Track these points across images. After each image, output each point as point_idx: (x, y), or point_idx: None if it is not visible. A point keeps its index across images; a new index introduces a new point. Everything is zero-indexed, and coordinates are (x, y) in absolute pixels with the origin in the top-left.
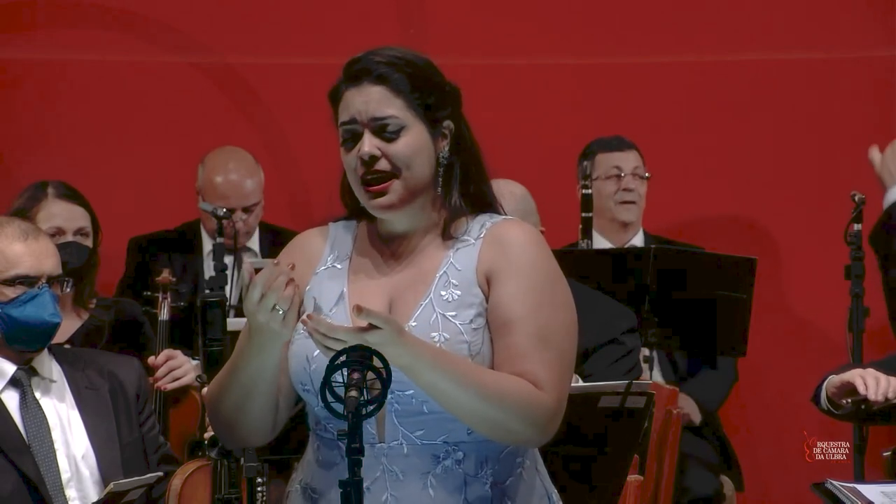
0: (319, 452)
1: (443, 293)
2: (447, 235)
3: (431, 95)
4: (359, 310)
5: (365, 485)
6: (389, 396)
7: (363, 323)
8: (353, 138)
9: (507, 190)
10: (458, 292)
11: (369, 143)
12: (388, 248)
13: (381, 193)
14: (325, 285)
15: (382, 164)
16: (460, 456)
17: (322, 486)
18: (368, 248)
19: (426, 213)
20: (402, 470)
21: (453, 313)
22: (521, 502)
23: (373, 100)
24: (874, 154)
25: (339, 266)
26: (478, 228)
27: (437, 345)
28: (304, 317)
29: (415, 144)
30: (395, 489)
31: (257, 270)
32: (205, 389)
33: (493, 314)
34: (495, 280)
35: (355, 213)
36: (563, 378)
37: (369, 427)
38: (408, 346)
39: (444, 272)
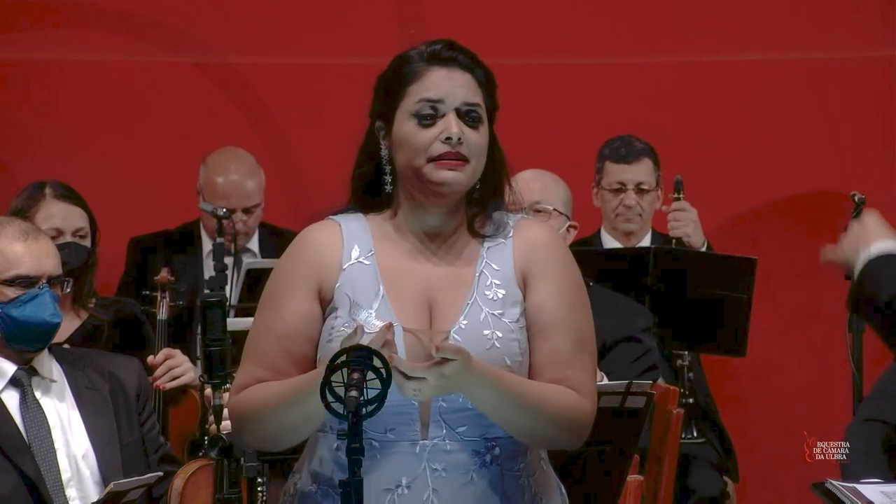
0: (342, 452)
1: (487, 293)
2: (474, 233)
3: (494, 100)
4: (437, 349)
5: (404, 483)
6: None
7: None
8: (431, 117)
9: (552, 179)
10: (503, 291)
11: (457, 125)
12: (418, 243)
13: (452, 169)
14: (357, 282)
15: (462, 149)
16: (497, 452)
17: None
18: (393, 244)
19: (459, 210)
20: (444, 467)
21: (500, 311)
22: (546, 494)
23: (464, 85)
24: (826, 252)
25: (366, 262)
26: (503, 227)
27: (491, 343)
28: (385, 354)
29: (485, 138)
30: (438, 486)
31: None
32: (207, 390)
33: (534, 317)
34: (532, 282)
35: (363, 203)
36: (595, 380)
37: (412, 424)
38: (475, 373)
39: (482, 271)
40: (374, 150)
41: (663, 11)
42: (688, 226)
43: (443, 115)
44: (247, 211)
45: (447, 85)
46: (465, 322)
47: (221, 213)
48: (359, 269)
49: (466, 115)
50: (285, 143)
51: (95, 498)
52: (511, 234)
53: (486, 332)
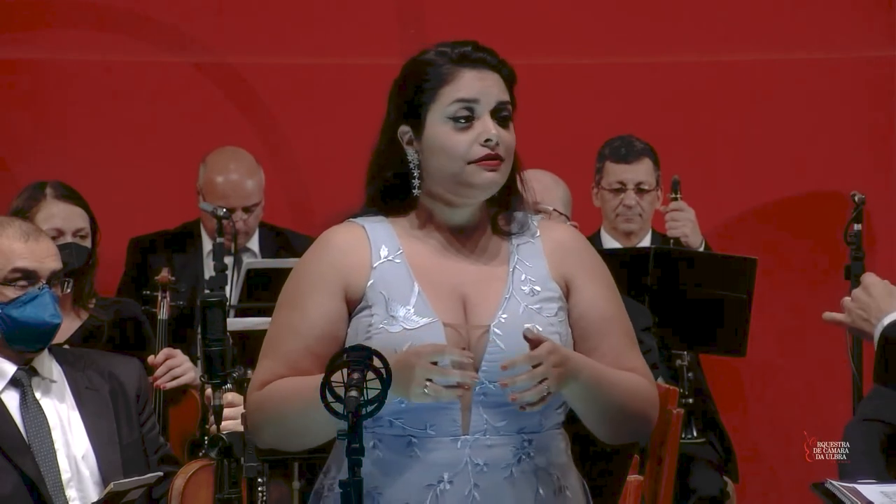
0: (378, 451)
1: (523, 288)
2: (498, 230)
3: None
4: (528, 334)
5: (446, 478)
6: (476, 387)
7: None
8: (467, 118)
9: (552, 179)
10: (538, 287)
11: (494, 126)
12: (445, 241)
13: (493, 169)
14: (391, 281)
15: (499, 149)
16: (533, 447)
17: (383, 485)
18: (421, 243)
19: (482, 207)
20: (485, 462)
21: (538, 307)
22: (572, 490)
23: (495, 84)
24: (833, 315)
25: (396, 261)
26: (527, 226)
27: None
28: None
29: (514, 136)
30: (480, 481)
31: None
32: (207, 390)
33: (588, 315)
34: (577, 283)
35: (382, 207)
36: None
37: (454, 418)
38: (571, 353)
39: (515, 267)
40: (399, 156)
41: (663, 11)
42: (685, 226)
43: (478, 117)
44: (247, 210)
45: (480, 85)
46: (504, 316)
47: (221, 213)
48: (390, 268)
49: (498, 115)
50: (285, 143)
51: (95, 498)
52: (538, 235)
53: (526, 325)
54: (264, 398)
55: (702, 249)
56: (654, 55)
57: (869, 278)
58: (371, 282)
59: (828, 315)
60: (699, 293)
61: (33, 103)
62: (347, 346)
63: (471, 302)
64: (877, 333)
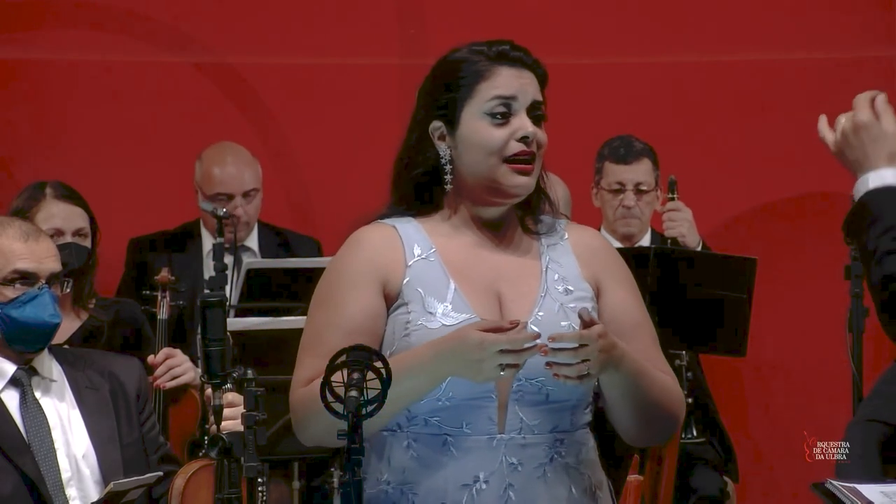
0: (412, 450)
1: (558, 287)
2: (527, 230)
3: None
4: (584, 314)
5: (482, 477)
6: (514, 384)
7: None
8: (504, 115)
9: (552, 179)
10: (571, 287)
11: (530, 123)
12: (479, 236)
13: (526, 173)
14: (426, 278)
15: (533, 147)
16: (565, 446)
17: (418, 485)
18: (453, 240)
19: (510, 206)
20: (520, 461)
21: (573, 305)
22: (600, 488)
23: (531, 83)
24: (826, 132)
25: (431, 259)
26: (553, 227)
27: None
28: (545, 342)
29: (546, 137)
30: (514, 480)
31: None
32: (207, 390)
33: (618, 318)
34: (607, 286)
35: (411, 206)
36: None
37: (490, 417)
38: (617, 341)
39: (548, 266)
40: (429, 152)
41: (663, 11)
42: (682, 226)
43: (515, 114)
44: (246, 195)
45: (518, 83)
46: (541, 314)
47: (221, 213)
48: (424, 266)
49: (533, 114)
50: (285, 143)
51: (95, 498)
52: (566, 237)
53: (563, 323)
54: (306, 394)
55: (699, 249)
56: (654, 55)
57: (862, 115)
58: (407, 279)
59: (822, 127)
60: (699, 293)
61: (33, 103)
62: (392, 343)
63: (506, 298)
64: (856, 191)
